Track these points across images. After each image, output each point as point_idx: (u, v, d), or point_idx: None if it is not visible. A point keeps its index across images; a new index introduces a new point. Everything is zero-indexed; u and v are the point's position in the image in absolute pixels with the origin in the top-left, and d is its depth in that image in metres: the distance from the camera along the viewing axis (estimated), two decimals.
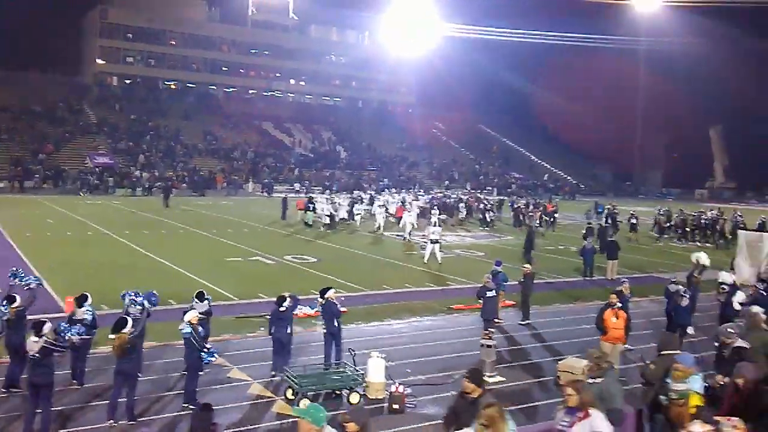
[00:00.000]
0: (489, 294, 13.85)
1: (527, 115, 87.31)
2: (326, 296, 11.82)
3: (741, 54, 67.92)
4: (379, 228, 32.29)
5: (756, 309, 10.27)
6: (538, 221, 35.49)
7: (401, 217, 32.31)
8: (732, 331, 9.07)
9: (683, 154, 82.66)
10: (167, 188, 45.10)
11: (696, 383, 7.30)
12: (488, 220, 37.40)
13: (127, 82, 77.50)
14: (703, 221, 35.00)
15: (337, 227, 32.32)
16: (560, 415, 6.35)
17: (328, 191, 46.04)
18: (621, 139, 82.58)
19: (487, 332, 12.50)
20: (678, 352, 8.39)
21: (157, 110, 71.25)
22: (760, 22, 61.79)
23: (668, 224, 35.03)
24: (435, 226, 25.81)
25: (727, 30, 65.08)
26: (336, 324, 11.76)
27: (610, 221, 35.05)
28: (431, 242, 23.69)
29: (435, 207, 35.44)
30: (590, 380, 6.97)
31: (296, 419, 5.44)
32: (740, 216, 35.66)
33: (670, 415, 6.79)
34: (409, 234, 29.82)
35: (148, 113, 70.14)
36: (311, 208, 34.04)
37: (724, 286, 14.19)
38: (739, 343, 8.71)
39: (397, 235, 30.82)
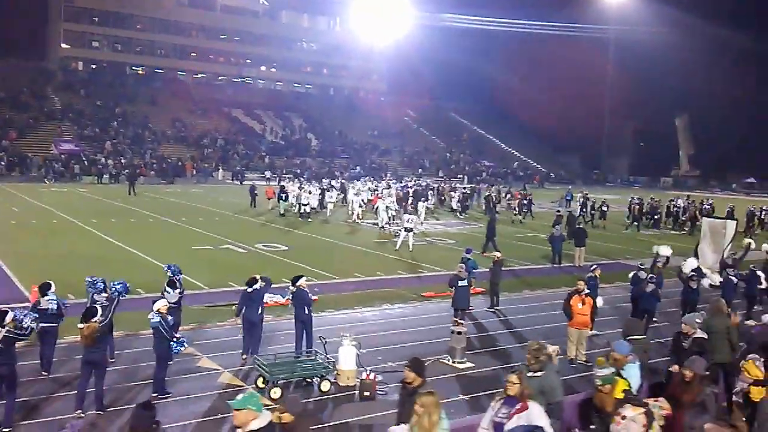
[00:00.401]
0: (461, 283, 13.97)
1: (498, 103, 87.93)
2: (297, 284, 11.83)
3: (707, 44, 69.06)
4: (357, 216, 32.06)
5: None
6: (516, 209, 35.83)
7: (376, 205, 32.20)
8: (699, 321, 9.23)
9: (650, 142, 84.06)
10: (133, 175, 44.50)
11: (632, 370, 7.40)
12: (460, 208, 37.60)
13: (93, 67, 75.82)
14: (674, 209, 35.83)
15: (309, 217, 32.01)
16: (497, 406, 6.22)
17: (298, 180, 45.56)
18: (589, 128, 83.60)
19: (456, 320, 12.66)
20: (644, 336, 8.62)
21: (123, 96, 69.93)
22: (725, 12, 62.83)
23: (642, 212, 35.66)
24: (410, 214, 26.03)
25: (693, 20, 66.11)
26: (307, 312, 11.79)
27: (585, 209, 35.65)
28: (405, 230, 23.82)
29: (410, 195, 35.64)
30: (530, 374, 6.84)
31: (234, 411, 5.36)
32: (708, 205, 36.50)
33: (596, 401, 6.91)
34: (388, 223, 29.61)
35: (115, 99, 68.84)
36: (283, 198, 33.66)
37: (694, 274, 14.53)
38: (699, 334, 8.80)
39: (372, 224, 30.82)
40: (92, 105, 66.80)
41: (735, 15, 63.65)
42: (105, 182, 49.84)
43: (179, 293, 11.55)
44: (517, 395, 6.04)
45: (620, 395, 6.59)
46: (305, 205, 32.19)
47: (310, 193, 34.01)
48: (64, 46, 73.82)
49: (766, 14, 65.00)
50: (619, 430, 6.30)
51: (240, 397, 5.49)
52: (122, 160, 55.93)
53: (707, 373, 7.54)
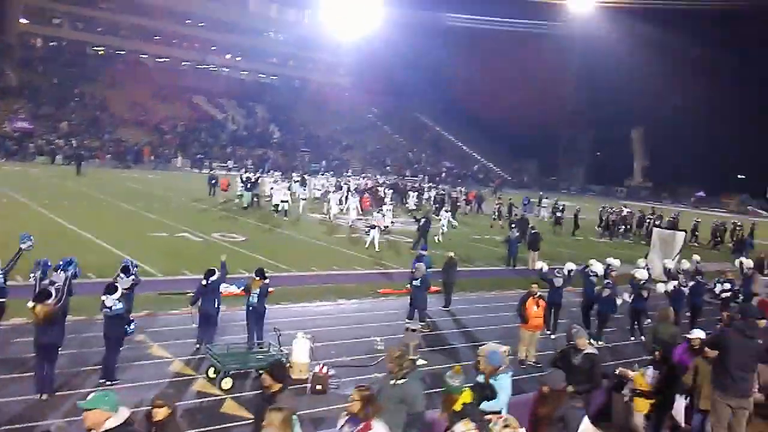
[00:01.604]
0: (415, 283, 14.10)
1: (460, 105, 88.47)
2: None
3: (665, 57, 70.89)
4: (328, 213, 31.36)
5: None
6: (496, 212, 36.25)
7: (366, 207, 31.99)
8: (577, 331, 8.38)
9: (606, 152, 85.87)
10: (80, 156, 43.56)
11: (504, 381, 7.13)
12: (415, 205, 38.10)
13: (53, 44, 73.66)
14: (647, 219, 36.77)
15: (286, 214, 30.40)
16: (341, 423, 5.82)
17: (265, 172, 44.91)
18: (548, 135, 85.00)
19: (408, 320, 12.84)
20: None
21: (82, 76, 68.09)
22: (683, 26, 64.38)
23: (613, 221, 36.16)
24: (380, 213, 26.49)
25: (654, 34, 67.71)
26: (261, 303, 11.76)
27: (555, 215, 36.67)
28: (372, 228, 23.93)
29: (386, 193, 35.90)
30: (392, 382, 6.50)
31: (85, 412, 4.86)
32: (651, 215, 37.43)
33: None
34: (353, 220, 29.56)
35: (74, 79, 66.95)
36: (248, 188, 32.38)
37: (646, 281, 15.02)
38: (591, 349, 8.36)
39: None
40: (49, 83, 64.89)
41: (692, 29, 65.30)
42: (58, 163, 48.56)
43: (132, 281, 11.42)
44: (360, 414, 5.56)
45: (458, 408, 6.09)
46: (284, 201, 30.71)
47: (289, 189, 32.88)
48: (23, 21, 71.48)
49: (722, 28, 66.86)
50: None
51: (91, 396, 5.00)
52: (72, 141, 54.39)
53: (570, 388, 7.22)
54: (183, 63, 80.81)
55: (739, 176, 77.45)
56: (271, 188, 33.46)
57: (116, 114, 64.43)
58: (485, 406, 6.61)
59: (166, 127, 65.65)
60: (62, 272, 10.13)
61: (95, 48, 76.40)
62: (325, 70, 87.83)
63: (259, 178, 35.55)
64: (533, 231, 24.32)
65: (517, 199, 42.07)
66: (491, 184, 70.37)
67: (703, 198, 75.71)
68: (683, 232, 24.86)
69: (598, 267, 15.52)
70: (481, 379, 6.80)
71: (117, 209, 28.24)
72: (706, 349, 8.22)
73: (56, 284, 9.81)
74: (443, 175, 73.20)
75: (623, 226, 35.80)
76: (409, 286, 14.51)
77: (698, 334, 9.02)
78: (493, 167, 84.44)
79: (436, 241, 25.96)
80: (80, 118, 61.04)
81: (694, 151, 71.04)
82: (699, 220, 37.26)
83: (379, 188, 40.61)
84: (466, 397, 6.14)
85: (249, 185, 32.61)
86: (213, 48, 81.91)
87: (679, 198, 76.07)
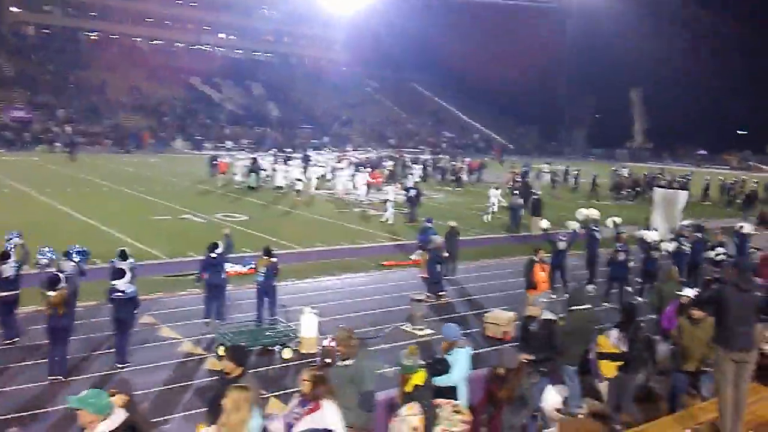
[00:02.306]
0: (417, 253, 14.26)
1: (459, 75, 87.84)
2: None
3: (662, 18, 70.10)
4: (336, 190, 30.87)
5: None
6: (510, 183, 36.17)
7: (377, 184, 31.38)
8: (544, 301, 8.35)
9: (606, 115, 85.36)
10: (73, 143, 43.52)
11: (459, 356, 6.70)
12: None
13: (45, 32, 73.13)
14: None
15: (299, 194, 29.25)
16: (293, 404, 5.69)
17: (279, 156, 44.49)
18: (547, 100, 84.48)
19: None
20: (588, 306, 8.76)
21: (77, 62, 67.74)
22: None
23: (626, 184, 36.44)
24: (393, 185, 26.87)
25: None
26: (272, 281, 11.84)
27: (573, 182, 37.94)
28: (387, 202, 24.08)
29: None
30: (340, 363, 6.43)
31: (77, 409, 4.51)
32: (660, 175, 37.71)
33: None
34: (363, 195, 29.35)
35: (69, 66, 66.64)
36: (256, 172, 32.10)
37: (655, 242, 15.07)
38: (548, 315, 8.19)
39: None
40: (44, 71, 64.60)
41: None
42: (57, 151, 48.51)
43: (131, 264, 11.47)
44: (309, 395, 5.47)
45: (409, 389, 5.93)
46: (299, 180, 29.78)
47: (304, 170, 32.25)
48: (14, 9, 70.91)
49: None
50: (392, 428, 5.80)
51: (81, 394, 4.60)
52: (65, 128, 54.10)
53: (527, 362, 6.96)
54: (176, 44, 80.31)
55: (739, 132, 77.08)
56: (273, 169, 33.42)
57: (113, 99, 64.16)
58: (437, 381, 6.43)
59: (164, 109, 65.37)
60: (70, 261, 10.22)
61: (88, 33, 75.89)
62: (321, 45, 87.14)
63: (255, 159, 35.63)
64: (535, 197, 24.32)
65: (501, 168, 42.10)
66: (492, 153, 70.15)
67: (704, 156, 75.49)
68: (686, 192, 24.83)
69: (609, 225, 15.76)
70: (410, 361, 6.23)
71: (119, 194, 28.29)
72: (692, 309, 8.14)
73: (66, 272, 9.89)
74: (444, 145, 72.96)
75: (635, 189, 35.92)
76: (413, 257, 14.56)
77: (689, 292, 8.89)
78: (494, 135, 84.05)
79: (485, 220, 25.25)
80: (78, 104, 60.83)
81: (693, 110, 70.67)
82: (708, 178, 38.07)
83: (385, 162, 40.42)
84: (419, 378, 5.98)
85: (254, 166, 32.69)
86: (206, 28, 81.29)
87: (680, 158, 75.87)
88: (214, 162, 36.20)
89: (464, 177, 39.06)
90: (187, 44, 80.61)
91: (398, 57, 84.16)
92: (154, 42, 79.09)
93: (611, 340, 8.15)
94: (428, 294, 13.81)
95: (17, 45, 68.24)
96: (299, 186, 29.28)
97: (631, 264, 14.74)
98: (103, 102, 63.14)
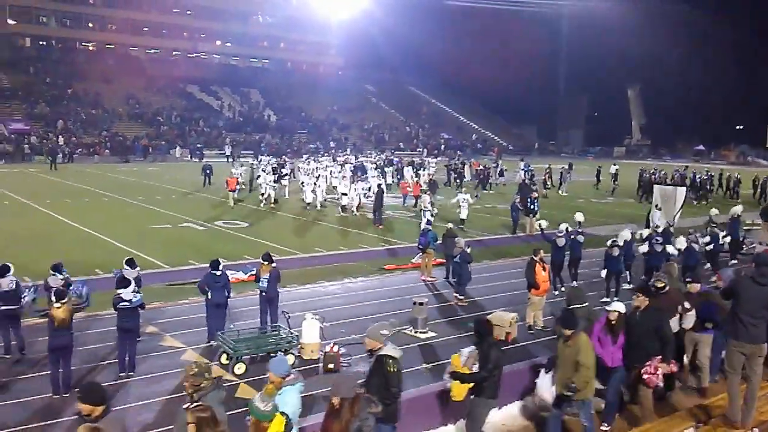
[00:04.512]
0: (455, 260, 14.62)
1: (456, 77, 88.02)
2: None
3: (658, 15, 70.23)
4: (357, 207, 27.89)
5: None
6: (545, 184, 36.20)
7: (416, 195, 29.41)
8: (385, 333, 6.52)
9: (603, 113, 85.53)
10: (53, 150, 43.57)
11: (289, 396, 5.79)
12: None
13: (42, 43, 73.22)
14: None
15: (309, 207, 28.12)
16: None
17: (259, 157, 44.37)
18: (545, 100, 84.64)
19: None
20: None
21: (74, 73, 67.81)
22: None
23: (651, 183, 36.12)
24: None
25: None
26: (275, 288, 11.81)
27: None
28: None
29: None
30: (184, 406, 5.23)
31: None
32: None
33: None
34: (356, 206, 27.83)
35: (66, 77, 66.76)
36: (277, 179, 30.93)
37: (658, 238, 15.10)
38: (385, 351, 6.43)
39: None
40: (42, 83, 64.69)
41: None
42: (57, 162, 48.48)
43: (137, 273, 11.48)
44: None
45: None
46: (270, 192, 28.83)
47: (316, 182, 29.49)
48: (10, 21, 70.97)
49: None
50: None
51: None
52: (58, 140, 54.01)
53: (363, 393, 5.79)
54: (174, 53, 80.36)
55: (737, 127, 77.17)
56: (258, 176, 31.72)
57: (111, 109, 64.23)
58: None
59: (162, 118, 65.44)
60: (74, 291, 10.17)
61: (84, 44, 75.98)
62: (317, 50, 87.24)
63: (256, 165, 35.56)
64: (533, 197, 24.34)
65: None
66: (490, 153, 70.18)
67: (702, 151, 75.56)
68: (684, 188, 24.87)
69: (625, 234, 15.15)
70: (265, 405, 5.28)
71: (119, 204, 28.31)
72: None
73: (72, 289, 9.91)
74: (442, 147, 73.01)
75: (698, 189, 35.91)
76: (413, 261, 14.54)
77: (617, 307, 7.82)
78: (492, 136, 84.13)
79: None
80: (76, 115, 60.88)
81: (690, 106, 70.81)
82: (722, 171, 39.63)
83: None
84: (278, 425, 5.11)
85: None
86: (202, 36, 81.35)
87: (678, 153, 75.91)
88: (208, 171, 35.79)
89: (467, 177, 39.25)
90: (184, 52, 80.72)
91: (394, 60, 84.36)
92: (151, 51, 79.19)
93: (461, 359, 7.34)
94: (457, 296, 14.20)
95: (14, 57, 68.26)
96: (271, 192, 28.79)
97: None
98: (101, 112, 63.16)
